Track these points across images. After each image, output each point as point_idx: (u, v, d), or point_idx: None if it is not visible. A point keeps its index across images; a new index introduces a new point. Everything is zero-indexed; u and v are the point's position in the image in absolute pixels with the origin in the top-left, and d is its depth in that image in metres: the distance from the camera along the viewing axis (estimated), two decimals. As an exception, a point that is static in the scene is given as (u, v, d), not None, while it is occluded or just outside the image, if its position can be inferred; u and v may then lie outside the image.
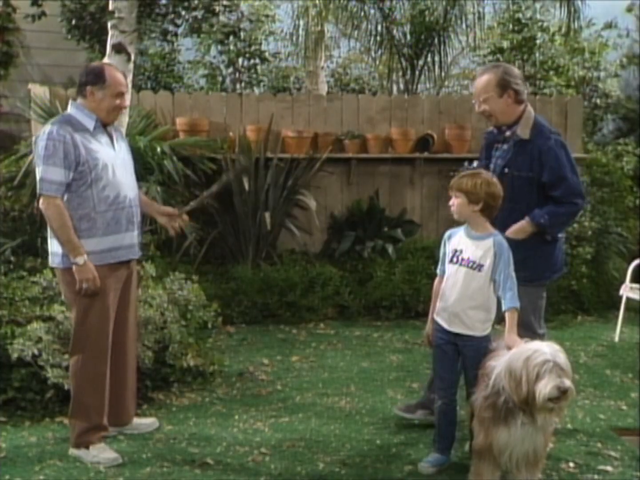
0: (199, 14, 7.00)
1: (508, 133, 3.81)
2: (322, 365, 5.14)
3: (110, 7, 5.03)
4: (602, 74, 10.20)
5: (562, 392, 2.87)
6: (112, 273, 3.62)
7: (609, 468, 3.57)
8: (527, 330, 3.51)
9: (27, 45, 8.25)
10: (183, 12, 6.99)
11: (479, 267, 3.35)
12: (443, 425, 3.56)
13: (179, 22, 7.10)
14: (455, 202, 3.40)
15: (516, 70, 3.90)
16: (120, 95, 3.65)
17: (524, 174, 3.70)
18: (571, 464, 3.60)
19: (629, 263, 6.19)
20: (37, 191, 3.53)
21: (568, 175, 3.68)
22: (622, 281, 5.99)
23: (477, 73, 3.96)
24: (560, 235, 3.85)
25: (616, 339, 5.76)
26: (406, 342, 5.70)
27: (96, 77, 3.59)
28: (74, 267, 3.49)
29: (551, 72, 9.66)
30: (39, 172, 3.51)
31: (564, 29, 9.31)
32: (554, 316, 6.18)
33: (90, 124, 3.60)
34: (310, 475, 3.48)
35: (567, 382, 2.88)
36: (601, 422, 4.14)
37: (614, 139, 9.56)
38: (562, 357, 2.94)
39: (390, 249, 6.67)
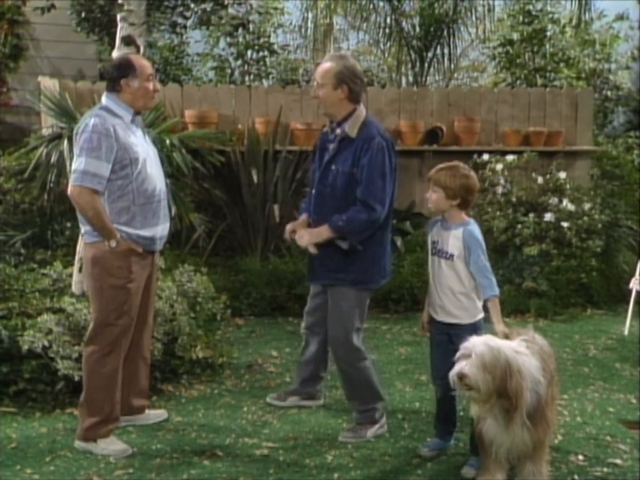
0: (207, 6, 7.01)
1: (338, 131, 3.72)
2: (331, 358, 5.14)
3: (120, -1, 5.04)
4: (613, 66, 10.17)
5: (459, 377, 2.93)
6: (140, 260, 3.61)
7: (618, 461, 3.56)
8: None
9: (36, 38, 8.27)
10: (192, 5, 7.01)
11: (451, 256, 3.41)
12: (442, 412, 3.62)
13: (187, 14, 7.11)
14: (433, 196, 3.44)
15: (359, 69, 3.81)
16: (151, 77, 3.65)
17: (346, 170, 3.63)
18: (580, 457, 3.59)
19: (638, 256, 6.16)
20: (72, 181, 3.48)
21: (374, 178, 3.56)
22: (632, 274, 5.95)
23: (323, 59, 3.87)
24: (359, 247, 3.63)
25: (626, 332, 5.73)
26: (414, 335, 5.69)
27: (127, 69, 3.59)
28: (111, 243, 3.49)
29: (562, 64, 9.62)
30: (80, 164, 3.45)
31: (574, 21, 9.30)
32: (563, 309, 6.14)
33: (127, 117, 3.60)
34: (318, 467, 3.49)
35: (466, 368, 2.92)
36: (610, 415, 4.13)
37: (625, 131, 9.52)
38: (483, 349, 2.93)
39: (398, 241, 6.65)
